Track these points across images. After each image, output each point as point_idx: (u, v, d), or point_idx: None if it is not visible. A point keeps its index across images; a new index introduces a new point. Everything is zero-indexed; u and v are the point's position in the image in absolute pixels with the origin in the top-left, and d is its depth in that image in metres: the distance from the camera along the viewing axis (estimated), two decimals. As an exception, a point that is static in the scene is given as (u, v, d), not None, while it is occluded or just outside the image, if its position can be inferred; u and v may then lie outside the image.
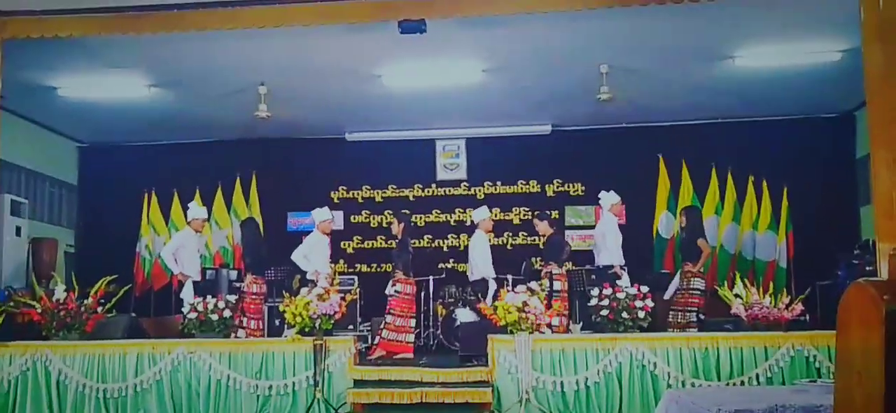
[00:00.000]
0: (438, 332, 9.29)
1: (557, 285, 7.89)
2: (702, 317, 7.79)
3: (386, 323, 7.88)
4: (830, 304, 8.43)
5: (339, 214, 10.82)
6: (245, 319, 8.00)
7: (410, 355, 7.80)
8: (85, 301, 7.17)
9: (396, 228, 8.32)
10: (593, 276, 8.19)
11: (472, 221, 10.63)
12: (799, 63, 8.32)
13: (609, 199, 8.32)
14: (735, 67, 8.40)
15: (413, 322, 8.08)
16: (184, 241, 8.50)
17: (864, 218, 9.91)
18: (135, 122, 10.17)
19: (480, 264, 8.47)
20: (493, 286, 8.30)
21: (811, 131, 10.34)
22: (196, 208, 8.72)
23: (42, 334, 7.09)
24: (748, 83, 8.92)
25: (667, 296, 8.23)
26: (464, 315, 8.93)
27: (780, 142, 10.20)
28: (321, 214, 8.44)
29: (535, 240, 10.81)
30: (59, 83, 8.76)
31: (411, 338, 8.01)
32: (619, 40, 7.69)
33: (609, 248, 8.06)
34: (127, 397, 6.81)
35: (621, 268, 7.91)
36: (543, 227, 8.58)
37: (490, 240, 8.98)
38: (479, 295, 8.46)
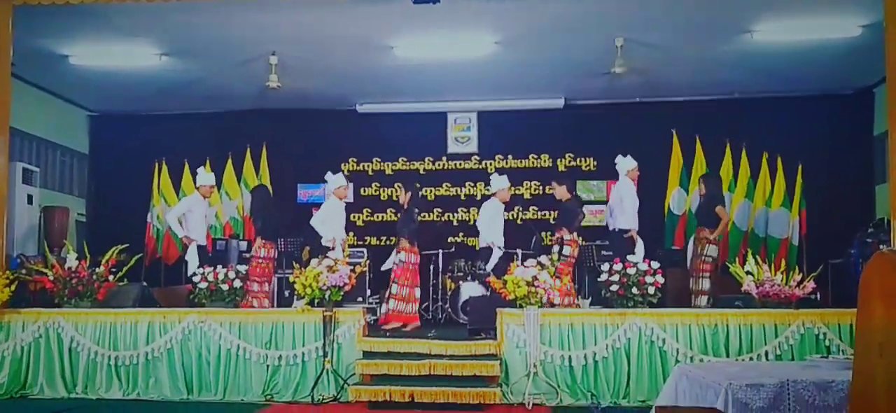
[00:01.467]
0: (447, 305, 9.30)
1: (567, 250, 7.80)
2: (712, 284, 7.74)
3: (391, 293, 7.88)
4: (843, 283, 8.38)
5: (350, 187, 10.78)
6: (251, 283, 7.92)
7: (418, 324, 7.81)
8: (96, 269, 7.23)
9: (403, 197, 8.29)
10: (609, 242, 8.10)
11: (483, 195, 10.67)
12: (817, 38, 8.17)
13: (626, 163, 8.14)
14: (752, 42, 8.27)
15: (418, 292, 8.06)
16: (191, 205, 8.53)
17: (880, 196, 9.78)
18: (146, 90, 10.15)
19: (490, 231, 8.34)
20: (497, 254, 8.20)
21: (828, 108, 10.18)
22: (204, 174, 8.72)
23: (54, 302, 7.16)
24: (765, 58, 8.78)
25: (690, 264, 8.15)
26: (470, 289, 8.91)
27: (796, 118, 10.05)
28: (336, 181, 8.38)
29: (546, 214, 10.78)
30: (70, 51, 8.74)
31: (416, 308, 8.01)
32: (635, 13, 7.58)
33: (626, 211, 7.93)
34: (138, 365, 6.89)
35: (636, 234, 7.84)
36: (561, 192, 8.38)
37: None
38: (481, 263, 8.42)
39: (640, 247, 7.11)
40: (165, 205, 10.52)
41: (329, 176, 8.45)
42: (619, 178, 8.22)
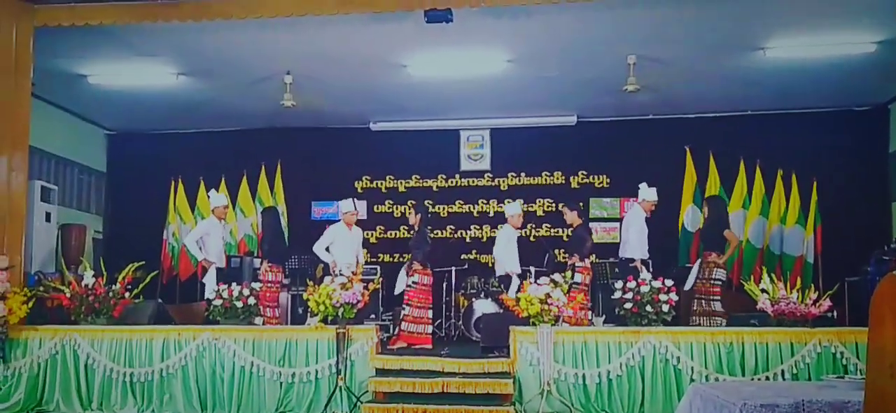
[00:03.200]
0: (460, 322, 9.29)
1: (578, 278, 7.81)
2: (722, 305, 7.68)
3: (404, 315, 7.89)
4: (859, 301, 8.28)
5: (363, 204, 10.83)
6: (261, 307, 7.92)
7: (429, 346, 7.81)
8: (113, 286, 7.28)
9: (413, 219, 8.30)
10: (617, 269, 8.10)
11: (495, 213, 10.69)
12: (831, 54, 8.15)
13: (645, 193, 8.09)
14: (765, 59, 8.26)
15: (431, 313, 8.07)
16: (208, 228, 8.57)
17: (896, 213, 9.72)
18: (162, 109, 10.29)
19: (505, 259, 8.37)
20: (516, 282, 8.18)
21: (843, 124, 10.13)
22: (216, 196, 8.76)
23: (71, 319, 7.22)
24: (779, 75, 8.76)
25: (687, 286, 8.11)
26: (483, 306, 8.91)
27: (811, 135, 10.01)
28: (344, 206, 8.42)
29: (559, 232, 10.76)
30: (89, 71, 8.88)
31: (430, 329, 8.02)
32: (647, 30, 7.60)
33: (630, 241, 7.96)
34: (153, 382, 6.92)
35: (643, 262, 7.80)
36: (572, 218, 8.42)
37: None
38: (502, 287, 8.41)
39: (645, 277, 7.08)
40: (181, 222, 10.63)
41: (340, 203, 8.50)
42: (630, 205, 8.22)
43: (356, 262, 8.22)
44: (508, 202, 8.80)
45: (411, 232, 8.42)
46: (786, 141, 10.04)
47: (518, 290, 7.45)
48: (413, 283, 7.93)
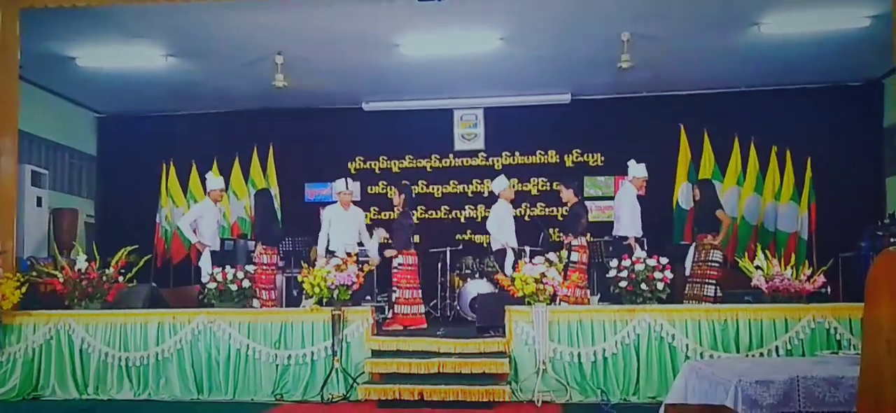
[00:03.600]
0: (455, 302, 9.30)
1: (575, 257, 7.74)
2: (719, 292, 7.60)
3: (396, 298, 7.85)
4: (853, 276, 8.33)
5: (357, 185, 10.77)
6: (257, 290, 7.83)
7: (425, 326, 7.80)
8: (106, 271, 7.25)
9: (397, 200, 8.24)
10: (611, 248, 8.08)
11: (490, 192, 10.64)
12: (825, 29, 8.11)
13: (634, 170, 8.01)
14: (760, 35, 8.22)
15: (419, 292, 8.02)
16: (202, 211, 8.50)
17: (891, 188, 9.72)
18: (152, 91, 10.19)
19: (501, 233, 8.30)
20: (511, 256, 8.16)
21: (837, 100, 10.11)
22: (213, 178, 8.69)
23: (64, 303, 7.19)
24: (773, 51, 8.73)
25: (687, 270, 8.10)
26: (479, 286, 8.91)
27: (805, 111, 9.99)
28: (337, 186, 8.33)
29: (553, 210, 10.76)
30: (77, 53, 8.77)
31: (422, 309, 8.01)
32: (641, 7, 7.54)
33: (623, 219, 7.93)
34: (148, 366, 6.92)
35: (636, 240, 7.78)
36: (568, 196, 8.18)
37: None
38: (496, 265, 8.36)
39: (638, 254, 7.06)
40: (174, 205, 10.57)
41: (333, 184, 8.42)
42: (623, 183, 8.17)
43: (356, 246, 8.12)
44: (497, 179, 8.62)
45: (395, 211, 8.34)
46: (780, 117, 10.02)
47: (514, 266, 7.40)
48: (398, 265, 7.86)
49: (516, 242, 8.31)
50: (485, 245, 10.64)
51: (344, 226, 8.13)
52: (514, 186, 8.92)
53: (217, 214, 8.69)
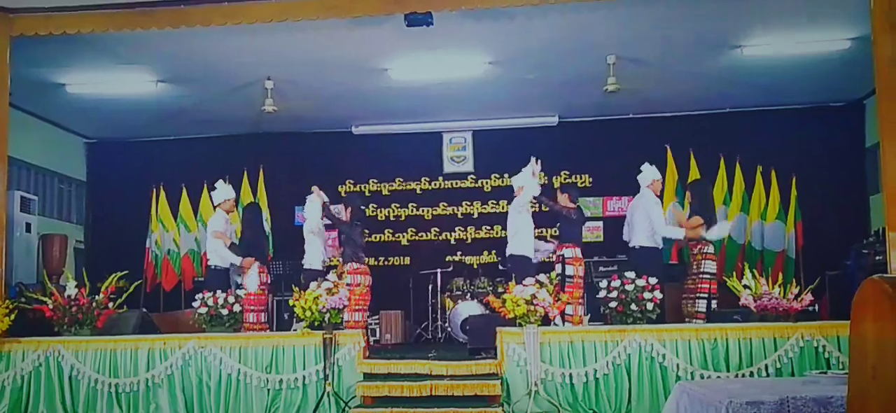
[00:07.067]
0: (447, 324, 9.31)
1: (570, 270, 7.49)
2: (714, 305, 7.52)
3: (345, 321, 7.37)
4: (840, 294, 8.40)
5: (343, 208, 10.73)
6: (246, 313, 7.59)
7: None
8: (96, 297, 7.22)
9: (345, 214, 8.09)
10: (625, 258, 7.91)
11: (480, 214, 10.69)
12: (807, 51, 8.27)
13: (649, 173, 7.82)
14: (743, 57, 8.36)
15: (366, 315, 7.83)
16: (225, 227, 8.12)
17: (874, 207, 9.86)
18: (142, 117, 10.20)
19: (515, 237, 7.62)
20: (529, 263, 7.53)
21: (820, 120, 10.27)
22: (223, 188, 8.31)
23: (54, 330, 7.14)
24: (756, 73, 8.87)
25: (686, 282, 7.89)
26: (469, 308, 8.91)
27: (789, 131, 10.14)
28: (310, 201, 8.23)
29: (541, 231, 10.77)
30: (67, 79, 8.79)
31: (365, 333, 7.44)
32: (626, 31, 7.66)
33: (639, 226, 7.63)
34: (139, 392, 6.87)
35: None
36: (563, 200, 7.88)
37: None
38: (511, 267, 7.64)
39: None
40: (163, 230, 10.52)
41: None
42: (641, 191, 7.87)
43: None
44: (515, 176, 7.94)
45: (341, 222, 8.10)
46: (765, 137, 10.16)
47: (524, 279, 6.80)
48: (347, 285, 7.33)
49: (532, 253, 7.74)
50: (474, 266, 10.69)
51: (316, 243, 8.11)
52: (502, 209, 8.69)
53: (230, 227, 8.42)
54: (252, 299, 7.80)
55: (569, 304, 7.22)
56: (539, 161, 7.78)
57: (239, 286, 7.97)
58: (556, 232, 8.28)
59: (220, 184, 8.46)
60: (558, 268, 7.41)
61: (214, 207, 8.51)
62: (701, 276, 7.59)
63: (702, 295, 7.56)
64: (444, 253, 10.88)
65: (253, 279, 7.73)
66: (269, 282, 8.42)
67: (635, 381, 6.50)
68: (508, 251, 7.75)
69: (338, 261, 8.44)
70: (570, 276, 7.47)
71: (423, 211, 11.19)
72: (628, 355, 6.53)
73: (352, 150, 11.13)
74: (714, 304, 7.56)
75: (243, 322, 7.55)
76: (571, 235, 7.76)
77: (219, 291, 7.40)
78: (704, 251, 7.63)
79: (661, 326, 6.76)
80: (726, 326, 6.62)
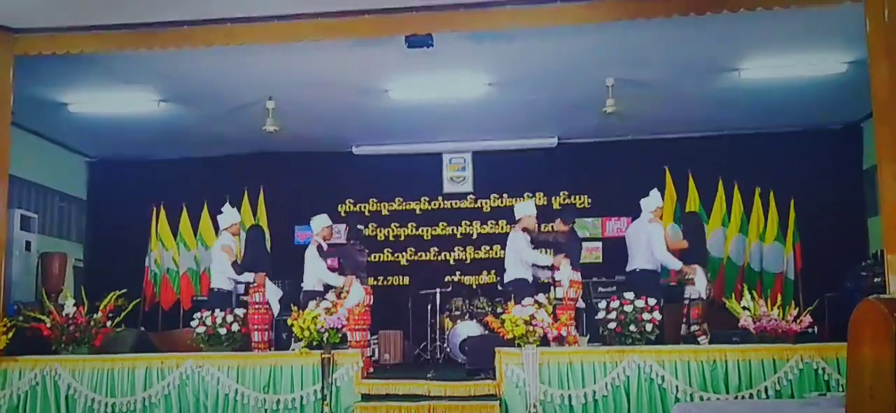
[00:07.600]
0: (445, 345, 9.29)
1: (571, 292, 7.63)
2: (706, 329, 7.61)
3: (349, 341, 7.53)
4: (839, 316, 8.37)
5: (344, 228, 10.77)
6: (251, 331, 7.75)
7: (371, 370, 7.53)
8: (94, 315, 7.20)
9: (344, 234, 8.24)
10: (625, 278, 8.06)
11: (479, 234, 10.71)
12: (804, 75, 8.32)
13: (652, 200, 8.03)
14: (740, 80, 8.42)
15: (368, 334, 7.93)
16: (234, 247, 8.23)
17: (873, 229, 9.87)
18: (144, 136, 10.24)
19: (512, 265, 7.98)
20: (525, 286, 7.75)
21: (817, 142, 10.32)
22: (229, 212, 8.44)
23: (51, 349, 7.12)
24: (753, 95, 8.93)
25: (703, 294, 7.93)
26: (468, 328, 8.91)
27: (787, 153, 10.18)
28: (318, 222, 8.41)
29: (541, 251, 10.78)
30: (69, 99, 8.83)
31: (366, 354, 7.59)
32: (624, 53, 7.72)
33: (639, 252, 7.87)
34: (136, 411, 6.84)
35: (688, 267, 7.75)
36: (558, 224, 8.22)
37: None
38: (512, 290, 7.90)
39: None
40: (163, 249, 10.53)
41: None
42: (642, 216, 8.08)
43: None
44: (517, 205, 8.42)
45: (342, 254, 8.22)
46: (763, 160, 10.20)
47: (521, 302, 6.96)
48: (348, 305, 7.47)
49: (528, 275, 8.02)
50: (473, 286, 10.69)
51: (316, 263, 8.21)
52: (500, 229, 8.83)
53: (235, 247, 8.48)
54: (256, 318, 7.83)
55: (566, 326, 7.22)
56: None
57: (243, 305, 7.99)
58: (552, 253, 8.32)
59: (226, 208, 8.59)
60: (551, 297, 7.45)
61: (219, 232, 8.56)
62: (692, 301, 7.81)
63: (694, 320, 7.71)
64: (444, 273, 10.88)
65: (357, 293, 7.74)
66: (268, 301, 8.37)
67: (634, 402, 6.47)
68: (506, 278, 8.06)
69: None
70: (559, 298, 7.60)
71: (422, 231, 11.20)
72: (627, 376, 6.51)
73: (352, 170, 11.17)
74: (701, 329, 7.67)
75: (251, 341, 7.60)
76: (576, 254, 7.91)
77: (217, 310, 7.39)
78: (684, 271, 7.85)
79: (660, 347, 6.74)
80: (725, 348, 6.60)
